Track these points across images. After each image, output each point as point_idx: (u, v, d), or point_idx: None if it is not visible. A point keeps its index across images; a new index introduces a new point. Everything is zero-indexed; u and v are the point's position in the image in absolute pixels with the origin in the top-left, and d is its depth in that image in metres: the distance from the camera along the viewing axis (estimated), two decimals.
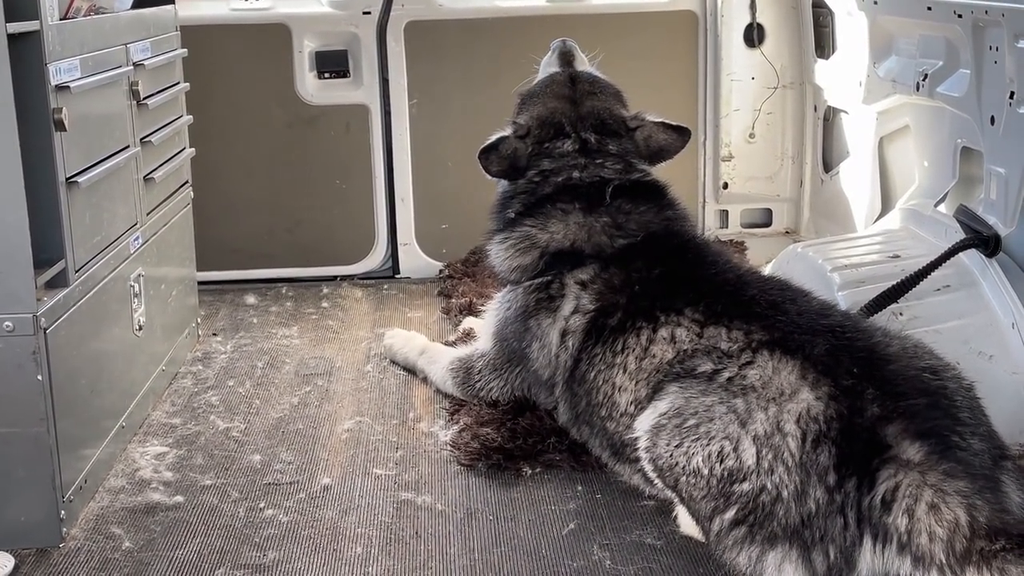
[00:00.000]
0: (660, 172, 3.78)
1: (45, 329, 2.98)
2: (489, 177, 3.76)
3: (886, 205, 4.71)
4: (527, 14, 5.45)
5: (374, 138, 5.46)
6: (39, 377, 2.96)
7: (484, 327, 3.91)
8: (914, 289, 3.56)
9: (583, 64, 4.00)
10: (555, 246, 3.59)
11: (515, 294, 3.66)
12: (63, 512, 3.07)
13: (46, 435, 3.00)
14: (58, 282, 3.13)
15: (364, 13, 5.37)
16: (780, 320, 3.03)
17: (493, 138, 3.72)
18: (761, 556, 2.72)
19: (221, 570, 2.94)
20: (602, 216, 3.56)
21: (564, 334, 3.47)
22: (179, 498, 3.32)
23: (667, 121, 3.76)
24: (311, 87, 5.42)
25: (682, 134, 3.75)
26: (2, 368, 2.95)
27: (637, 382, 3.17)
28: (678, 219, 3.64)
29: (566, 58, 3.98)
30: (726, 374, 2.92)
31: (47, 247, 3.08)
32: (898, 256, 3.88)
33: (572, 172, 3.65)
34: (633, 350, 3.21)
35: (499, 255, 3.71)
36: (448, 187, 5.50)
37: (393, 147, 5.48)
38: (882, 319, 3.41)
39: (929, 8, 3.93)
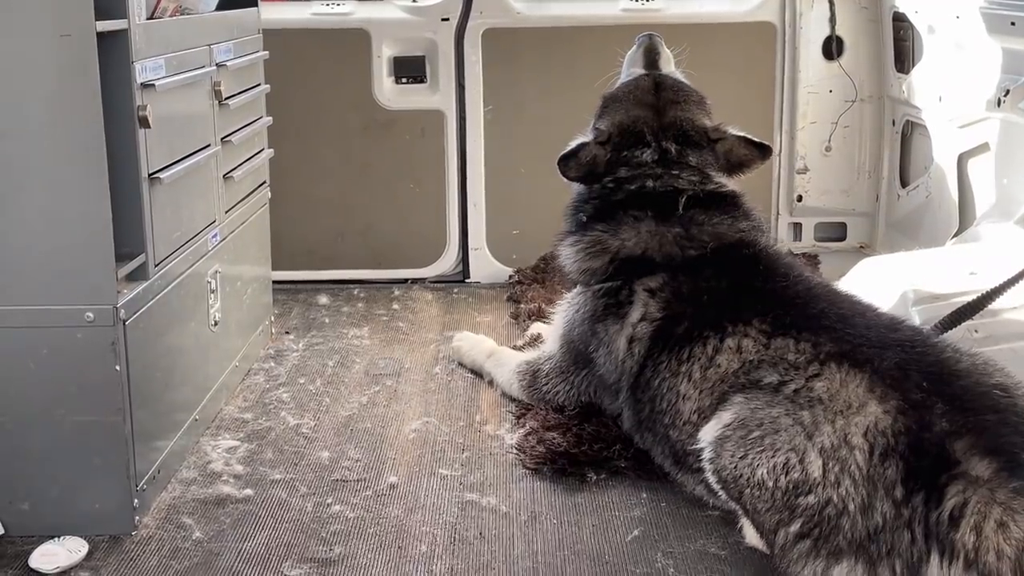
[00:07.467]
0: (736, 180, 3.76)
1: (124, 321, 3.04)
2: (565, 180, 3.76)
3: (964, 222, 4.64)
4: (604, 23, 5.45)
5: (448, 143, 5.50)
6: (117, 368, 3.03)
7: (552, 330, 3.92)
8: (990, 306, 3.51)
9: (668, 63, 3.96)
10: (625, 253, 3.58)
11: (584, 297, 3.67)
12: (136, 501, 3.13)
13: (122, 425, 3.06)
14: (138, 275, 3.19)
15: (442, 20, 5.42)
16: (849, 333, 3.00)
17: (573, 144, 3.71)
18: (826, 570, 2.70)
19: (288, 563, 2.99)
20: (674, 226, 3.54)
21: (631, 340, 3.47)
22: (249, 491, 3.38)
23: (749, 136, 3.72)
24: (388, 92, 5.48)
25: (763, 151, 3.70)
26: (82, 358, 3.02)
27: (701, 391, 3.16)
28: (751, 230, 3.61)
29: (651, 55, 3.94)
30: (792, 386, 2.90)
31: (128, 241, 3.15)
32: (975, 273, 3.82)
33: (646, 181, 3.64)
34: (699, 359, 3.20)
35: (570, 257, 3.72)
36: (520, 193, 5.52)
37: (467, 153, 5.52)
38: (957, 336, 3.36)
39: (1012, 24, 3.88)
